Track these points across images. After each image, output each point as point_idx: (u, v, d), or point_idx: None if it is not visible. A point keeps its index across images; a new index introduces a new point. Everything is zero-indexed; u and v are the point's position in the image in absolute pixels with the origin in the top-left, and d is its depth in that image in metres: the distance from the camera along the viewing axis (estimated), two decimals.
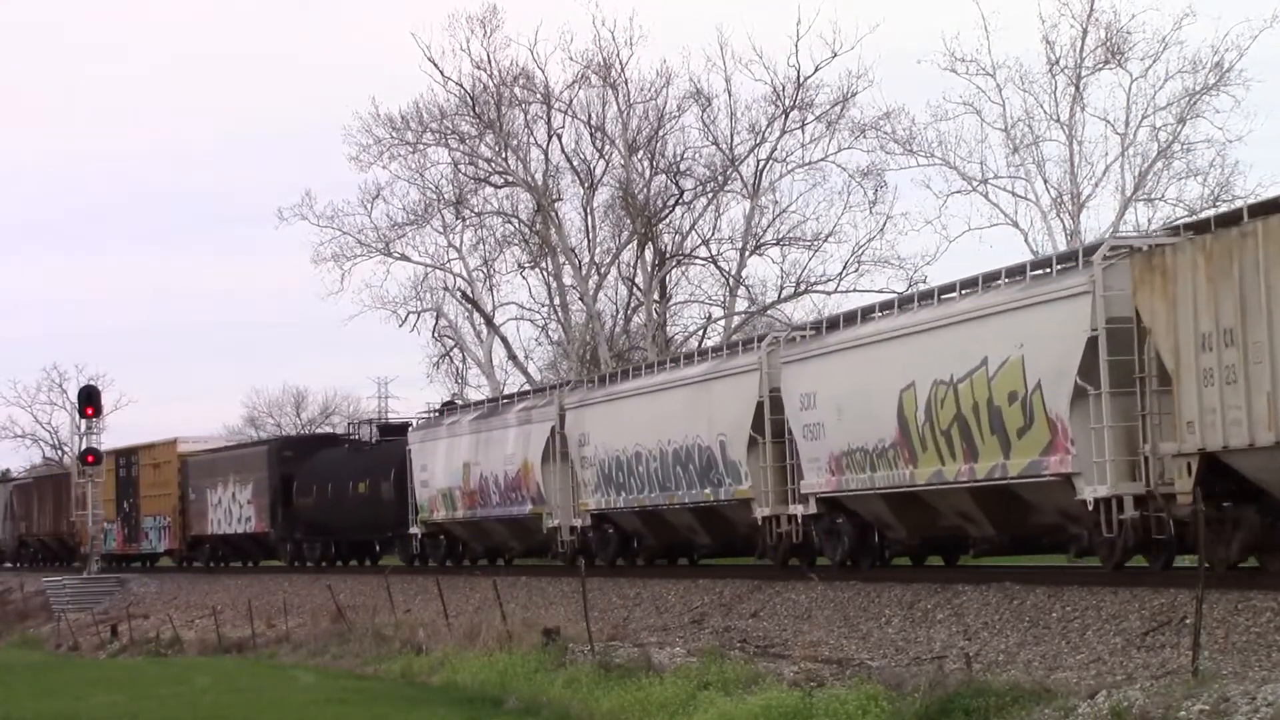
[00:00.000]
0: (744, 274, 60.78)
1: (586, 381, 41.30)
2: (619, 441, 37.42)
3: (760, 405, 32.36)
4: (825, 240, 59.76)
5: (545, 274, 62.85)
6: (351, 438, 56.76)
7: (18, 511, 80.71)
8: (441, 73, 60.99)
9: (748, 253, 60.25)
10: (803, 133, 59.11)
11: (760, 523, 32.54)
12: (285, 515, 55.97)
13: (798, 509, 31.37)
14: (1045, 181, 53.50)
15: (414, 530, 47.55)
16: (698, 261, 62.13)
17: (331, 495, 53.15)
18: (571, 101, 60.83)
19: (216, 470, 61.18)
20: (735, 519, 34.00)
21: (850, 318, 30.69)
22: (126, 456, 68.72)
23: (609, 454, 37.79)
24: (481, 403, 47.90)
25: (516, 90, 60.93)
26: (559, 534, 40.22)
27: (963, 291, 27.40)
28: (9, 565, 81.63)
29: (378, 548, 54.91)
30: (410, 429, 49.22)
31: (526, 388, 54.91)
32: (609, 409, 38.37)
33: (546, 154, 61.43)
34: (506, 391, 54.85)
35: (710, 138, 60.08)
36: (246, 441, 73.08)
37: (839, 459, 29.87)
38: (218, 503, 60.51)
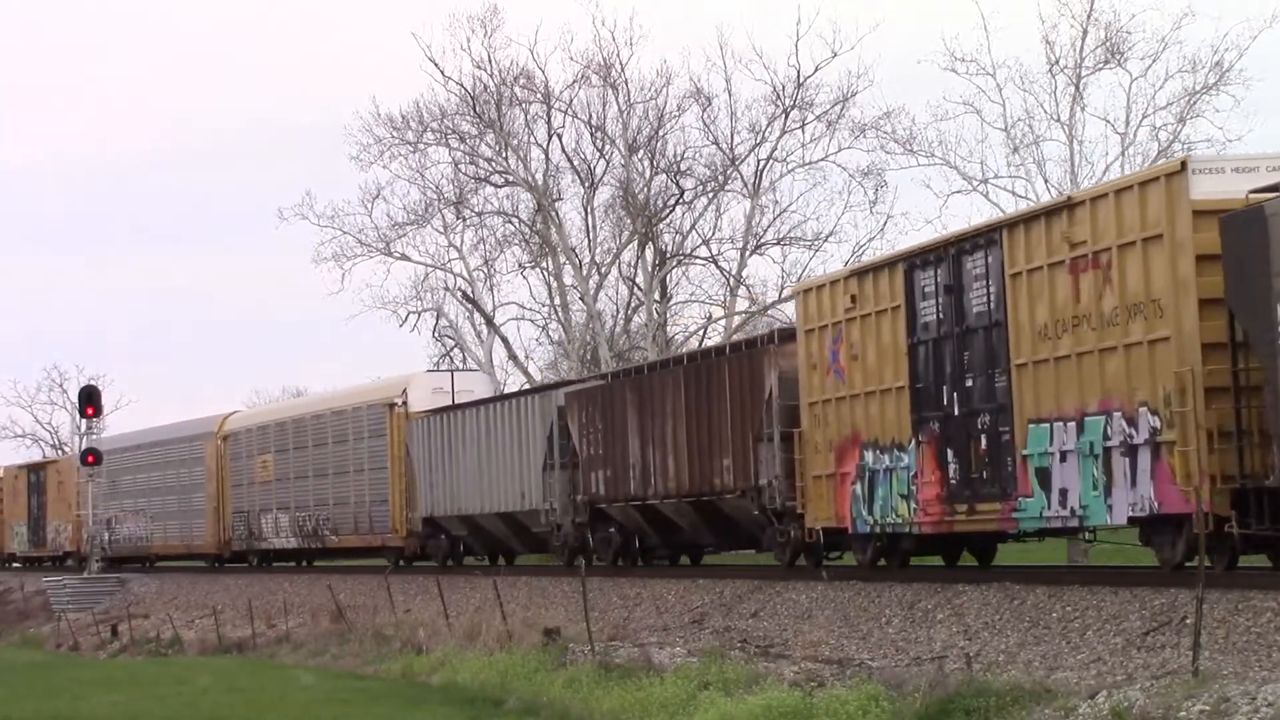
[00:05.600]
0: (744, 274, 60.84)
1: None
2: None
3: None
4: (825, 240, 59.73)
5: (545, 274, 62.89)
6: None
7: (590, 451, 37.41)
8: (442, 72, 61.07)
9: (748, 252, 60.29)
10: (803, 132, 59.16)
11: None
12: None
13: None
14: (1045, 181, 53.42)
15: None
16: (698, 261, 62.19)
17: None
18: (572, 101, 60.89)
19: None
20: None
21: None
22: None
23: None
24: None
25: (517, 90, 60.96)
26: None
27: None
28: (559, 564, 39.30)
29: None
30: None
31: None
32: None
33: (547, 154, 61.48)
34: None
35: (710, 137, 60.14)
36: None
37: None
38: None
